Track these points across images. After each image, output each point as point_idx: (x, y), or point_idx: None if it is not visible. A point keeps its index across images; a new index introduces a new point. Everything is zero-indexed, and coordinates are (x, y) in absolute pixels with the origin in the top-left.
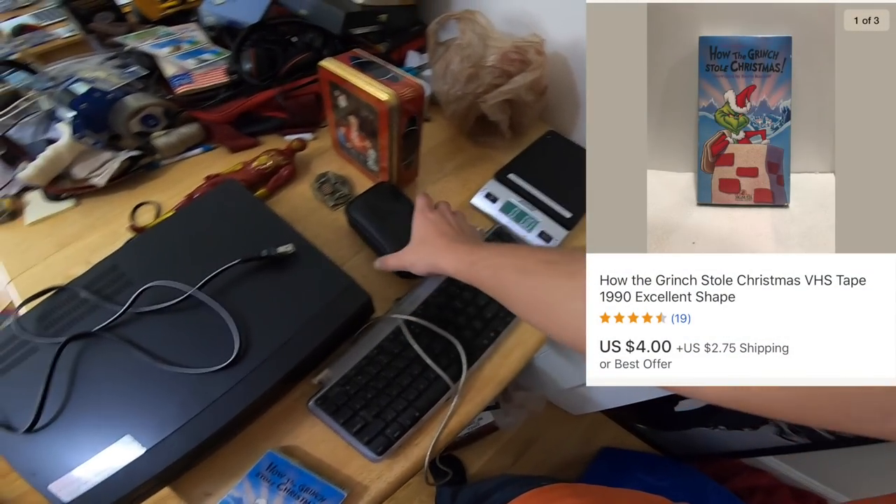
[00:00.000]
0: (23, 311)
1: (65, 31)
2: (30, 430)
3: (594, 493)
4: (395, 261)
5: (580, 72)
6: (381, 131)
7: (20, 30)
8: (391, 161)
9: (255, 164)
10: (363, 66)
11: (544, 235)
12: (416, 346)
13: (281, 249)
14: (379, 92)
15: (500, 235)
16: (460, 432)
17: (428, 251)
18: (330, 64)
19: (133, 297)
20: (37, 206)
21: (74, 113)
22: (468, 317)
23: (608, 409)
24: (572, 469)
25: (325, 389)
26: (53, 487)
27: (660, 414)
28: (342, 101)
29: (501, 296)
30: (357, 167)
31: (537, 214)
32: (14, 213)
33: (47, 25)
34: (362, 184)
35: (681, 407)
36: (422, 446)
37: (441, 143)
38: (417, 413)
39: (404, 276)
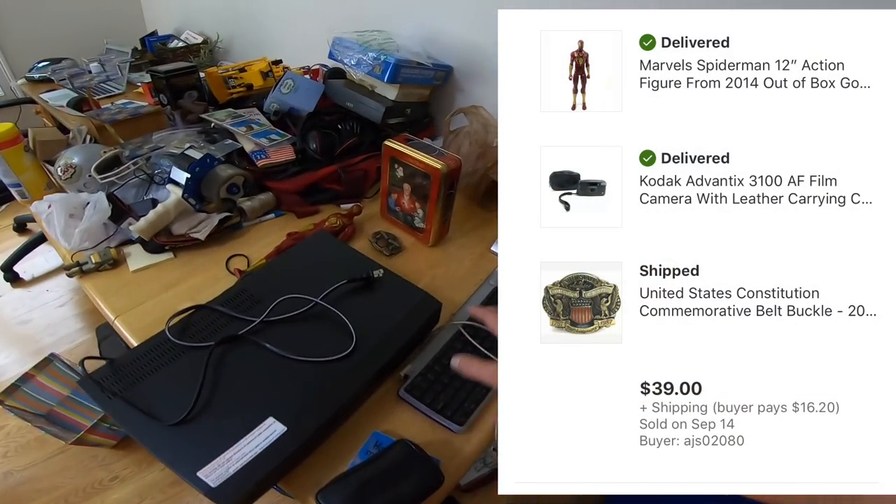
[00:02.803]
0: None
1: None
2: (182, 422)
3: None
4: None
5: None
6: (432, 193)
7: (78, 103)
8: (436, 218)
9: (326, 223)
10: (416, 145)
11: None
12: (472, 342)
13: (375, 273)
14: (434, 162)
15: None
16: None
17: None
18: (392, 143)
19: (271, 306)
20: (138, 256)
21: (188, 175)
22: None
23: None
24: None
25: (411, 379)
26: (202, 473)
27: None
28: (399, 172)
29: None
30: (402, 227)
31: None
32: (116, 263)
33: (100, 99)
34: (407, 240)
35: None
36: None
37: (458, 209)
38: (486, 389)
39: None
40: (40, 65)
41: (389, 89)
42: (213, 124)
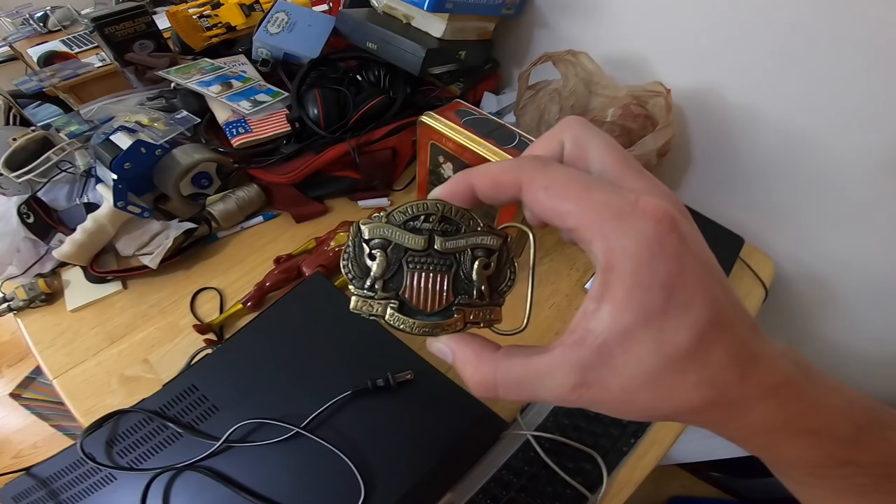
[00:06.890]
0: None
1: (98, 59)
2: None
3: None
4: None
5: (698, 124)
6: (501, 218)
7: (50, 58)
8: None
9: (332, 244)
10: (480, 127)
11: None
12: (549, 462)
13: (399, 376)
14: None
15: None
16: None
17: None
18: (436, 122)
19: (226, 435)
20: (78, 287)
21: (116, 177)
22: (604, 423)
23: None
24: None
25: None
26: None
27: (737, 462)
28: (448, 171)
29: None
30: None
31: None
32: (51, 296)
33: (79, 53)
34: None
35: None
36: None
37: None
38: None
39: None
40: (38, 14)
41: (433, 22)
42: (172, 84)
